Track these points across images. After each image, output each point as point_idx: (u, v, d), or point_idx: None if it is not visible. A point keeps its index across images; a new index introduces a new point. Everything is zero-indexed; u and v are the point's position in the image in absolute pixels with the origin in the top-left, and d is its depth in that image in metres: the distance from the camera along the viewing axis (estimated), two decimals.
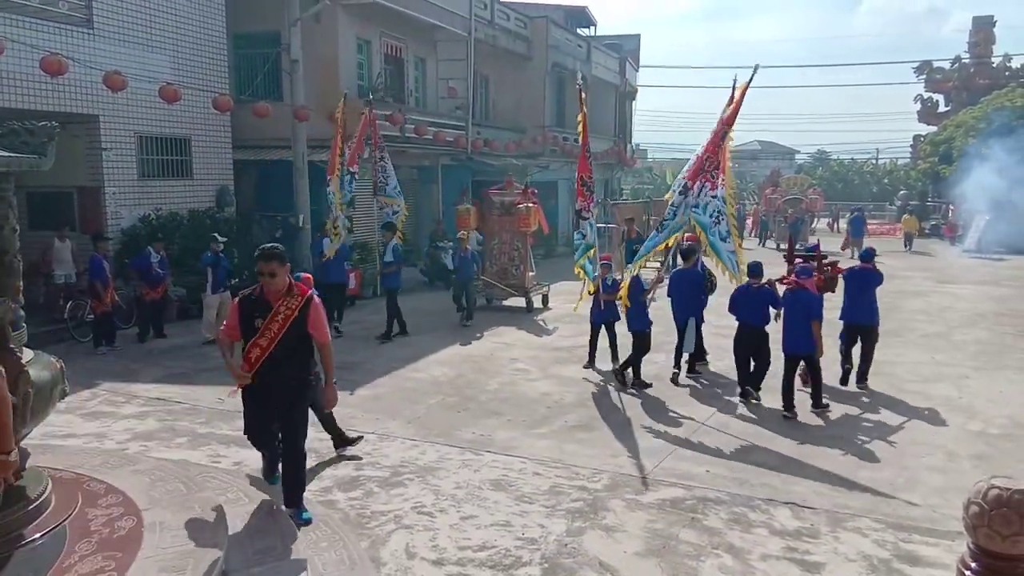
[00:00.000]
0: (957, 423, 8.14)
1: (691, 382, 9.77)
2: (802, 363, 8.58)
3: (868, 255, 9.89)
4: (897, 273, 20.65)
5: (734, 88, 9.38)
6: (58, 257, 12.98)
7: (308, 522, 5.37)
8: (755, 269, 8.89)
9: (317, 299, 5.54)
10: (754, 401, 8.77)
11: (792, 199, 31.44)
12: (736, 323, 9.02)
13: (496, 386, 9.58)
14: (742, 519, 5.76)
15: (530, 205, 15.02)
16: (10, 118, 4.93)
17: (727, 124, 9.15)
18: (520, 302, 14.97)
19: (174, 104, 13.75)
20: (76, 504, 4.52)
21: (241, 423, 8.02)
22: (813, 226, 31.99)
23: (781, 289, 8.86)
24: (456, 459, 7.02)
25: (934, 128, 41.76)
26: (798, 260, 9.45)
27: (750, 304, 8.81)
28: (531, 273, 15.42)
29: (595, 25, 35.00)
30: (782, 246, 27.53)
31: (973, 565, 3.01)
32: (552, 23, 27.05)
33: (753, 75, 8.98)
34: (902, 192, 41.48)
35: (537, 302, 15.28)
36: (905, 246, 28.83)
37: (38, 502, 4.25)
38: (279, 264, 5.44)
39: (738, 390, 9.01)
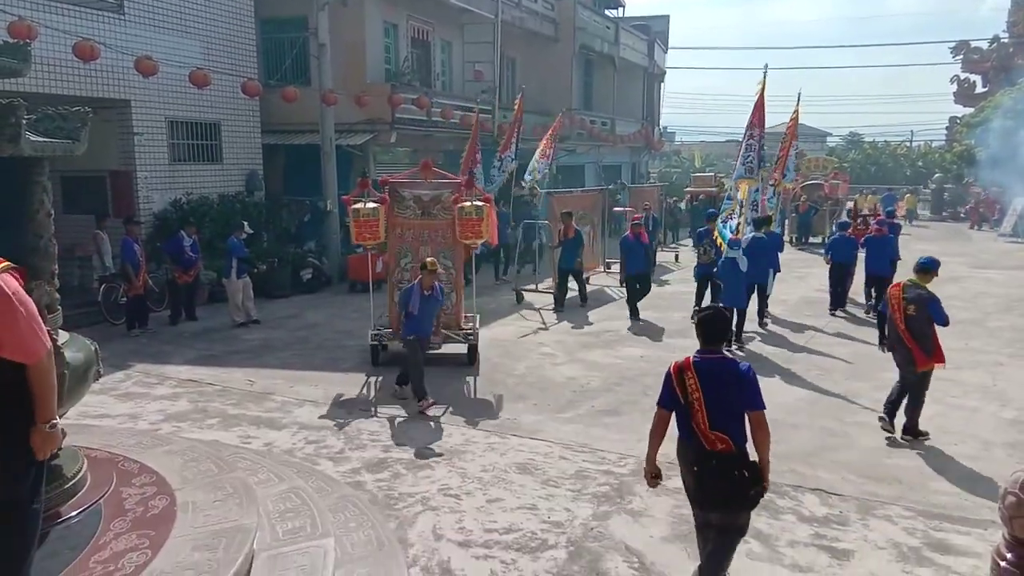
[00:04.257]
0: (990, 411, 8.01)
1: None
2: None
3: (890, 212, 15.06)
4: None
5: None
6: (103, 250, 13.06)
7: None
8: (843, 225, 14.17)
9: (9, 280, 3.10)
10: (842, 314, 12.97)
11: (810, 184, 26.82)
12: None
13: (523, 370, 9.59)
14: (769, 505, 5.72)
15: (480, 204, 9.59)
16: (44, 103, 5.00)
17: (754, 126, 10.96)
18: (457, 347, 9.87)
19: (204, 89, 13.87)
20: (111, 483, 4.61)
21: (271, 403, 8.21)
22: (838, 215, 26.05)
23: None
24: (482, 442, 7.05)
25: (970, 109, 40.81)
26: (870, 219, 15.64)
27: (844, 249, 13.10)
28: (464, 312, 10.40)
29: (623, 6, 34.62)
30: (805, 239, 25.35)
31: (1009, 556, 2.96)
32: (579, 4, 26.78)
33: (764, 75, 11.03)
34: (936, 175, 40.57)
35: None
36: (908, 220, 31.36)
37: (74, 480, 4.34)
38: None
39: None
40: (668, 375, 4.31)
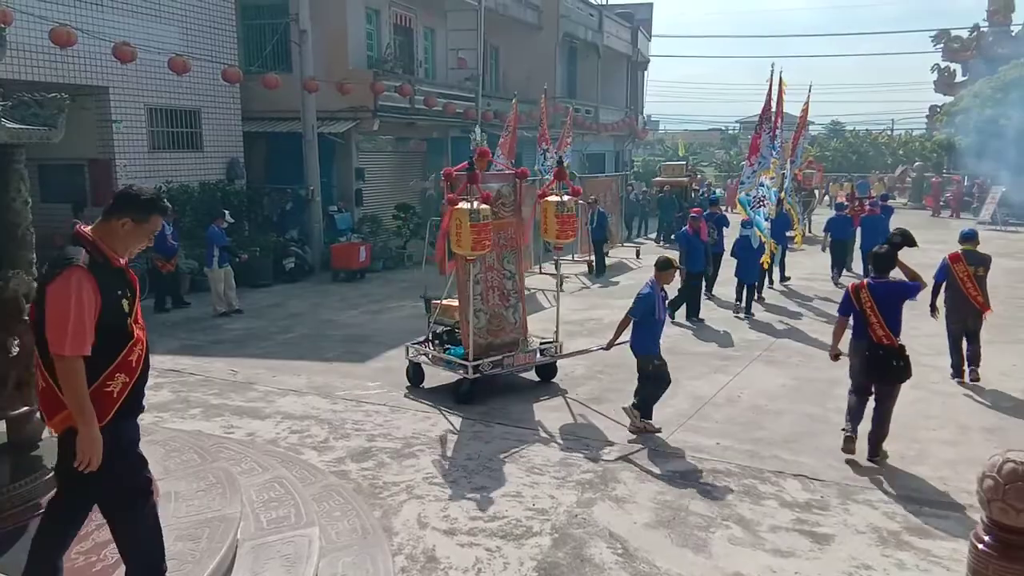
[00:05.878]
0: (969, 395, 8.12)
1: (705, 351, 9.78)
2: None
3: (885, 196, 17.45)
4: None
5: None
6: None
7: None
8: (840, 206, 16.61)
9: (79, 279, 3.22)
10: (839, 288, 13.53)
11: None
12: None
13: None
14: (752, 491, 5.77)
15: (574, 200, 8.47)
16: (20, 90, 4.92)
17: (763, 118, 12.47)
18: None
19: (183, 76, 13.71)
20: None
21: (254, 393, 8.17)
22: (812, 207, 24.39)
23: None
24: (467, 430, 7.06)
25: (951, 98, 41.10)
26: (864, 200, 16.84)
27: (842, 227, 15.20)
28: None
29: None
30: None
31: (987, 539, 3.00)
32: None
33: (772, 72, 12.60)
34: (917, 164, 40.90)
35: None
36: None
37: (55, 471, 4.30)
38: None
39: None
40: (847, 292, 6.38)
